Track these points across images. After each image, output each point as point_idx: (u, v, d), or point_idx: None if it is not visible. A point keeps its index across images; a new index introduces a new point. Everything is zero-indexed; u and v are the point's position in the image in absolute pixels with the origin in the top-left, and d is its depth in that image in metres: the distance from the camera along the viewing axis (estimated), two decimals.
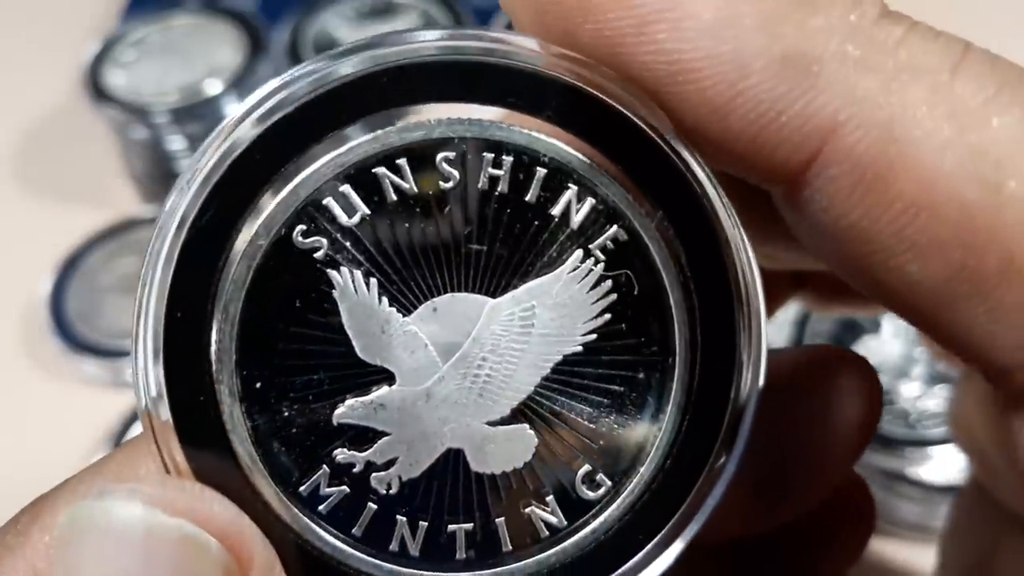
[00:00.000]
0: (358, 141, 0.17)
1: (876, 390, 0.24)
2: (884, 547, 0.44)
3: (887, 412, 0.44)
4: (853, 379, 0.24)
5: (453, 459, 0.18)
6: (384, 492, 0.18)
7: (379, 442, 0.18)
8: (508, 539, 0.18)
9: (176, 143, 0.55)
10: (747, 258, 0.18)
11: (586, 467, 0.18)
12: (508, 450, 0.18)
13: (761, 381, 0.18)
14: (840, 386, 0.23)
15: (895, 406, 0.44)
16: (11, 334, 0.55)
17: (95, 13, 0.71)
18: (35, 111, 0.68)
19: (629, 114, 0.18)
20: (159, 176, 0.58)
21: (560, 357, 0.18)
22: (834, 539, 0.27)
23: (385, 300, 0.18)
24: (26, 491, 0.52)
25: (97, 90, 0.55)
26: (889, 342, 0.46)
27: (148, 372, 0.18)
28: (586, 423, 0.18)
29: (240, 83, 0.55)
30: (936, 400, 0.44)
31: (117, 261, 0.55)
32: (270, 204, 0.17)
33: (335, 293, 0.18)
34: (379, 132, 0.17)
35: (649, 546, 0.18)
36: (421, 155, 0.18)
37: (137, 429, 0.49)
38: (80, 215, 0.60)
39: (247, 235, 0.17)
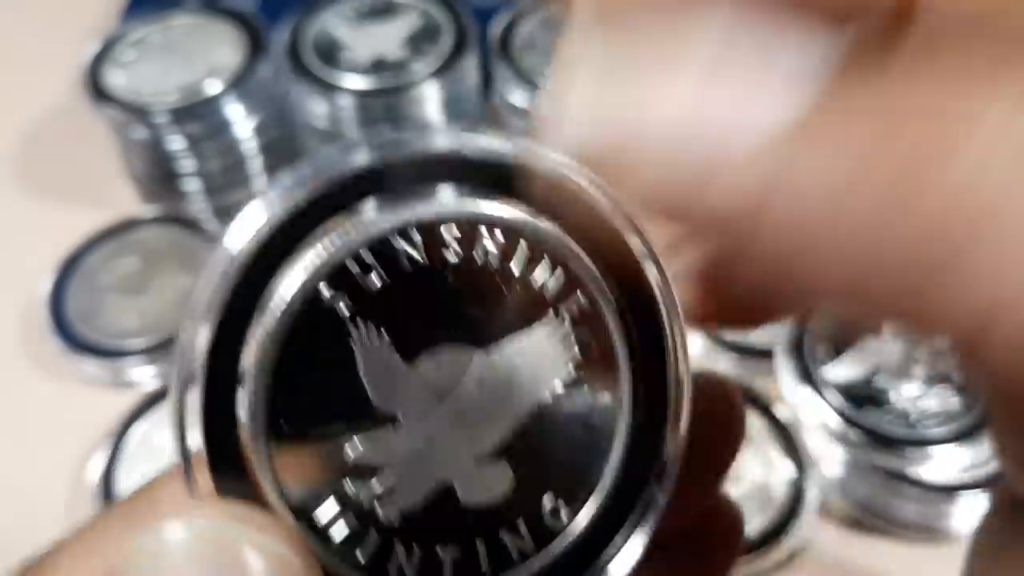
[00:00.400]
0: (377, 214, 0.21)
1: (737, 414, 0.25)
2: (884, 547, 0.44)
3: (887, 412, 0.44)
4: (718, 402, 0.24)
5: (444, 492, 0.21)
6: (386, 523, 0.21)
7: (383, 476, 0.21)
8: (487, 562, 0.21)
9: (176, 143, 0.55)
10: (680, 342, 0.22)
11: (551, 500, 0.21)
12: (489, 484, 0.21)
13: (683, 434, 0.22)
14: (710, 410, 0.24)
15: (895, 406, 0.44)
16: (11, 334, 0.55)
17: (94, 13, 0.71)
18: (34, 111, 0.68)
19: (607, 216, 0.21)
20: (159, 176, 0.58)
21: (535, 404, 0.21)
22: (702, 555, 0.27)
23: (395, 353, 0.21)
24: (25, 490, 0.53)
25: (97, 90, 0.55)
26: (889, 342, 0.46)
27: (184, 409, 0.20)
28: (552, 462, 0.22)
29: (240, 83, 0.55)
30: (936, 400, 0.44)
31: (117, 261, 0.55)
32: (300, 263, 0.20)
33: (353, 345, 0.20)
34: (395, 207, 0.21)
35: (597, 562, 0.22)
36: (430, 229, 0.21)
37: (136, 429, 0.49)
38: (80, 215, 0.60)
39: (279, 289, 0.20)
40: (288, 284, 0.20)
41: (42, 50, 0.73)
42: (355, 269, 0.21)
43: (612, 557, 0.22)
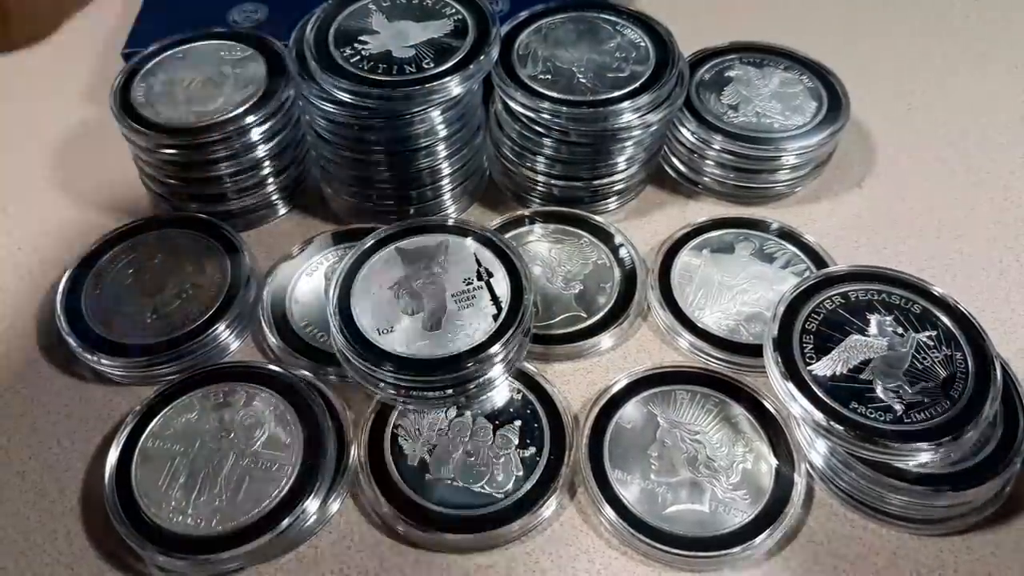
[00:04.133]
0: None
1: None
2: (870, 537, 0.45)
3: (872, 406, 0.44)
4: None
5: None
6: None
7: None
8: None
9: (196, 157, 0.57)
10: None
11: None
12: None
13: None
14: None
15: (880, 400, 0.44)
16: (28, 332, 0.57)
17: (121, 36, 0.74)
18: (63, 127, 0.71)
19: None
20: (179, 187, 0.60)
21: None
22: None
23: None
24: (41, 485, 0.54)
25: (123, 109, 0.58)
26: (876, 338, 0.46)
27: None
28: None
29: (261, 104, 0.57)
30: (920, 394, 0.44)
31: (135, 262, 0.57)
32: None
33: None
34: None
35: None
36: None
37: (151, 425, 0.50)
38: (100, 219, 0.62)
39: None
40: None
41: (70, 71, 0.76)
42: None
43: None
